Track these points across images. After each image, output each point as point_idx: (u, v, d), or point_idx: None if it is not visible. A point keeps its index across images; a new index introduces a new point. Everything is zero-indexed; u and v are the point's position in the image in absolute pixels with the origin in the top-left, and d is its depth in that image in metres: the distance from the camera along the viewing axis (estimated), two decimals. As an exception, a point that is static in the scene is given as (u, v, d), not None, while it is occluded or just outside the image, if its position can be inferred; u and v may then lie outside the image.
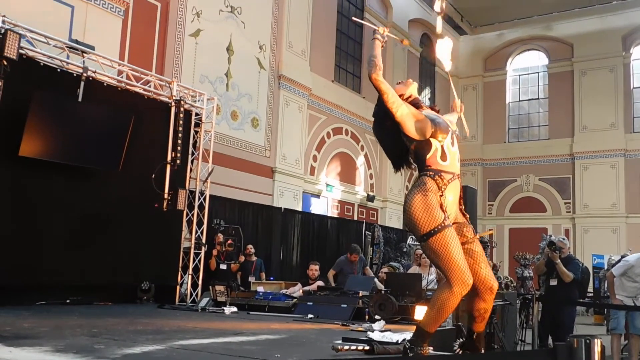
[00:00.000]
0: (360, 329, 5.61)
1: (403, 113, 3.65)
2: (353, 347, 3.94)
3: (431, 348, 3.75)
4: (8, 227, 7.11)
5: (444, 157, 3.58)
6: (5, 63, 6.53)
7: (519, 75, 24.16)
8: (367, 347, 3.88)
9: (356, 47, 18.38)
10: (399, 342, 4.29)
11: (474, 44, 24.63)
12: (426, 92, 22.85)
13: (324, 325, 6.25)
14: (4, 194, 7.11)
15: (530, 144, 23.10)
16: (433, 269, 9.80)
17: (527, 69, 24.06)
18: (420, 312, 6.30)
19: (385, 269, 10.51)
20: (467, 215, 3.75)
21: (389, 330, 5.01)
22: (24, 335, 4.56)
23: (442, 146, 3.61)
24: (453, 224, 3.53)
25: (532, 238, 16.15)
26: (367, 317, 6.69)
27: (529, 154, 22.46)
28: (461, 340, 3.54)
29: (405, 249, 14.17)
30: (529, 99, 23.66)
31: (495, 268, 14.57)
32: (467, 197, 7.06)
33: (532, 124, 23.72)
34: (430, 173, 3.53)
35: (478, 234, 3.74)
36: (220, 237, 9.86)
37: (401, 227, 18.60)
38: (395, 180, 19.30)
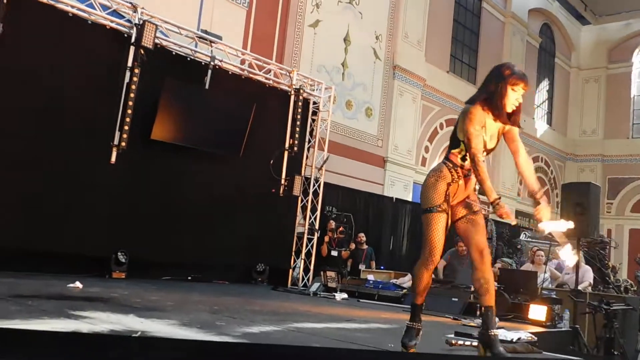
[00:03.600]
0: (473, 324, 5.54)
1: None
2: (467, 343, 3.94)
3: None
4: (138, 205, 7.58)
5: (465, 159, 3.90)
6: (142, 52, 6.97)
7: (647, 67, 22.70)
8: (481, 344, 3.86)
9: (473, 37, 17.94)
10: (514, 340, 4.23)
11: (598, 34, 23.39)
12: (544, 84, 21.96)
13: (434, 318, 6.20)
14: (136, 175, 7.56)
15: (657, 140, 21.72)
16: (547, 267, 9.51)
17: (656, 61, 22.51)
18: (534, 311, 6.15)
19: (499, 264, 10.28)
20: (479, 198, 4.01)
21: (503, 327, 4.90)
22: (152, 308, 4.82)
23: (467, 154, 3.88)
24: (461, 201, 3.85)
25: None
26: (478, 312, 6.59)
27: (655, 150, 21.12)
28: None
29: (519, 246, 13.75)
30: (657, 93, 22.17)
31: (613, 270, 13.86)
32: (590, 195, 6.78)
33: (659, 119, 22.28)
34: (450, 164, 3.90)
35: (488, 211, 3.97)
36: (332, 224, 10.02)
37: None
38: (508, 174, 18.74)
